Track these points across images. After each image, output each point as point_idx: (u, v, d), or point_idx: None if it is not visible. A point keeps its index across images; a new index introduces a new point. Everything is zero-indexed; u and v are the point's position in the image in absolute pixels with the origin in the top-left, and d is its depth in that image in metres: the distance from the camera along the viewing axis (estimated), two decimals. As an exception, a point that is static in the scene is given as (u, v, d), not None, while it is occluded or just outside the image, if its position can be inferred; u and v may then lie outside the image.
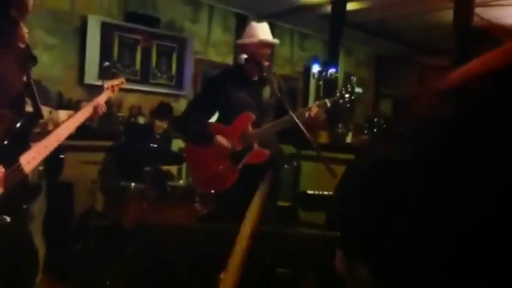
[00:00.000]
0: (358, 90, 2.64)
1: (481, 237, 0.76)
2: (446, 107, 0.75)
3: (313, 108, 2.56)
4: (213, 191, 2.81)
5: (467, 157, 0.72)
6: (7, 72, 1.61)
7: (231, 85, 2.67)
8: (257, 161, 2.63)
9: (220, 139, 2.66)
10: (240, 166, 2.64)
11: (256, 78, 2.70)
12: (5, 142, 1.61)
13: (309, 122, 2.49)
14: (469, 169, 0.73)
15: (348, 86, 2.64)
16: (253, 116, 2.66)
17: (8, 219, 1.58)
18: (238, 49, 2.79)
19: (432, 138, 0.74)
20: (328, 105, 2.60)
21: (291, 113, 2.40)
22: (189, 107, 2.89)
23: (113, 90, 2.20)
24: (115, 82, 2.23)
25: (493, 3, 5.29)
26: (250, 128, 2.68)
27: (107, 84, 2.19)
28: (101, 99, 2.10)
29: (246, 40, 2.70)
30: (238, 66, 2.76)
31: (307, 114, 2.51)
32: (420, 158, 0.77)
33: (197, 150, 2.77)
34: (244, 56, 2.54)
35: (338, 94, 2.67)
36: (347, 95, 2.64)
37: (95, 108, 2.03)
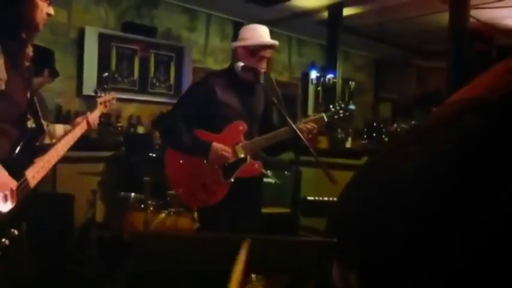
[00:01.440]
0: (351, 107, 2.66)
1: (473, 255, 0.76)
2: (446, 138, 0.77)
3: (311, 123, 2.56)
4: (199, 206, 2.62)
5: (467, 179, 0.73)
6: (14, 91, 1.65)
7: (221, 90, 2.53)
8: (249, 175, 2.56)
9: (220, 149, 2.50)
10: (232, 179, 2.53)
11: (247, 84, 2.59)
12: (12, 157, 1.65)
13: (305, 133, 2.51)
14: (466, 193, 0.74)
15: (342, 103, 2.69)
16: (245, 126, 2.56)
17: (16, 232, 1.62)
18: (236, 52, 2.59)
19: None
20: (326, 120, 2.64)
21: (291, 123, 2.37)
22: (176, 113, 2.57)
23: (106, 106, 2.27)
24: (107, 98, 2.29)
25: (487, 5, 5.31)
26: (242, 139, 2.58)
27: (100, 100, 2.25)
28: (94, 115, 2.17)
29: (247, 42, 2.54)
30: (229, 71, 2.63)
31: (303, 126, 2.52)
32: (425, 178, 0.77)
33: (186, 161, 2.56)
34: (241, 63, 2.52)
35: (333, 110, 2.66)
36: (341, 111, 2.66)
37: (89, 124, 2.11)
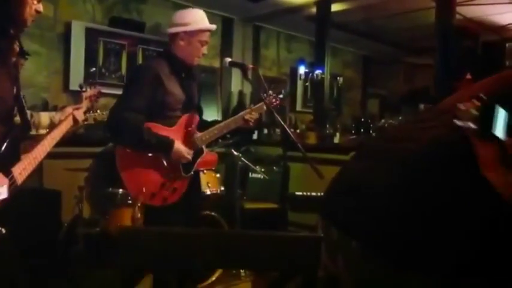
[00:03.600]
0: (281, 95, 2.79)
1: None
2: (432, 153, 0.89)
3: (254, 113, 2.65)
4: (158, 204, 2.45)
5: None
6: (1, 88, 1.64)
7: (165, 77, 2.43)
8: (206, 166, 2.59)
9: (181, 146, 2.44)
10: (191, 173, 2.53)
11: (187, 71, 2.54)
12: None
13: (247, 123, 2.64)
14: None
15: (273, 92, 2.77)
16: (197, 117, 2.56)
17: (3, 230, 1.62)
18: (176, 37, 2.50)
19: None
20: (264, 108, 2.69)
21: (279, 119, 2.38)
22: (128, 106, 2.34)
23: (91, 100, 2.24)
24: (92, 92, 2.26)
25: (474, 2, 5.36)
26: (196, 131, 2.57)
27: (85, 94, 2.23)
28: (79, 112, 2.15)
29: (190, 27, 2.50)
30: (169, 56, 2.51)
31: (247, 116, 2.63)
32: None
33: (142, 159, 2.42)
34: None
35: (267, 99, 2.68)
36: (274, 100, 2.74)
37: (75, 120, 2.09)
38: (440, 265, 0.82)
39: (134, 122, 2.33)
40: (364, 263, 0.92)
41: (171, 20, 2.60)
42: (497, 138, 0.66)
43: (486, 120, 0.65)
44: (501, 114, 0.65)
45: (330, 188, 1.10)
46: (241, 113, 2.66)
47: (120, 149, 2.43)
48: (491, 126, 0.65)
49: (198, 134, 2.58)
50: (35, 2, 1.70)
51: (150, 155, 2.43)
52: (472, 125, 0.64)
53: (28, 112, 1.89)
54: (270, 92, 2.72)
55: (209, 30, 2.55)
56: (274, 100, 2.72)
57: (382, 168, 0.96)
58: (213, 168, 3.51)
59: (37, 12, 1.72)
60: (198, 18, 2.54)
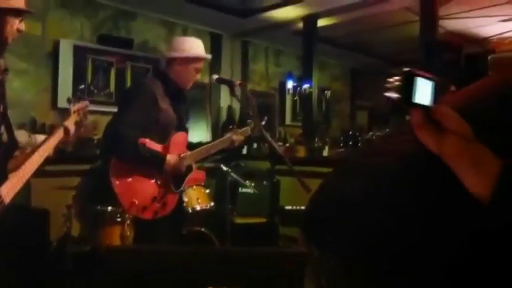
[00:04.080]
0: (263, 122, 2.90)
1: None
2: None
3: (239, 135, 2.84)
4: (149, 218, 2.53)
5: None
6: None
7: (160, 97, 2.55)
8: (195, 183, 2.74)
9: (173, 158, 2.56)
10: (181, 189, 2.65)
11: (179, 93, 2.69)
12: None
13: (236, 143, 2.81)
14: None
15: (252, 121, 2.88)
16: (187, 136, 2.70)
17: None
18: (172, 61, 2.64)
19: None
20: (249, 133, 2.90)
21: (267, 136, 2.43)
22: (126, 121, 2.43)
23: (79, 114, 2.22)
24: (80, 106, 2.25)
25: (456, 15, 5.48)
26: (186, 149, 2.70)
27: (73, 108, 2.21)
28: (69, 123, 2.11)
29: (186, 53, 2.65)
30: (164, 78, 2.63)
31: (234, 137, 2.80)
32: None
33: (135, 173, 2.50)
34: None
35: (252, 126, 2.86)
36: (256, 130, 2.84)
37: (66, 130, 2.05)
38: (425, 275, 0.84)
39: (130, 136, 2.42)
40: (345, 281, 0.93)
41: (170, 44, 2.76)
42: (419, 105, 0.72)
43: (407, 89, 0.71)
44: (421, 83, 0.72)
45: (309, 204, 1.12)
46: (228, 135, 2.82)
47: (114, 162, 2.48)
48: (411, 95, 0.71)
49: (188, 152, 2.69)
50: (17, 22, 1.71)
51: (143, 169, 2.51)
52: (396, 95, 0.71)
53: (26, 133, 1.87)
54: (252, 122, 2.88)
55: (205, 59, 2.75)
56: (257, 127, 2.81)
57: (358, 183, 0.98)
58: (203, 184, 3.52)
59: (19, 31, 1.72)
60: (195, 46, 2.71)
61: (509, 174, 0.70)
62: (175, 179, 2.61)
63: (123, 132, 2.41)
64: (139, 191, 2.51)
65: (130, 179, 2.51)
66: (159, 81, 2.59)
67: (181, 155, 2.65)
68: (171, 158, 2.56)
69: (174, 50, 2.67)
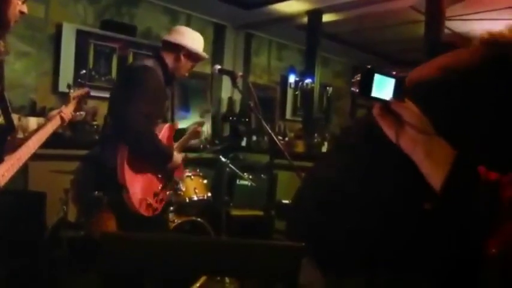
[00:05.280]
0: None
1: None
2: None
3: (198, 127, 2.95)
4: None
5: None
6: None
7: (164, 86, 2.49)
8: (178, 176, 2.72)
9: (178, 156, 2.54)
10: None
11: (172, 82, 2.64)
12: None
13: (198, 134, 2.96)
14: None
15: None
16: (175, 128, 2.70)
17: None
18: (174, 48, 2.53)
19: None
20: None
21: (267, 128, 2.41)
22: (138, 108, 2.26)
23: (78, 100, 2.22)
24: (80, 92, 2.24)
25: (462, 17, 5.45)
26: (173, 142, 2.69)
27: (73, 94, 2.20)
28: (67, 109, 2.11)
29: (195, 46, 2.56)
30: (162, 64, 2.50)
31: (199, 129, 2.93)
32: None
33: (143, 168, 2.42)
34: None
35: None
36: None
37: (62, 118, 2.05)
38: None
39: (150, 132, 2.36)
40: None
41: (175, 30, 2.65)
42: (378, 98, 0.79)
43: (364, 84, 0.78)
44: (381, 79, 0.78)
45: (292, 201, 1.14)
46: (194, 126, 2.95)
47: (124, 153, 2.34)
48: (369, 89, 0.78)
49: (175, 144, 2.70)
50: (19, 3, 1.69)
51: (150, 163, 2.45)
52: (356, 90, 0.78)
53: (16, 116, 1.87)
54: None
55: (204, 59, 2.70)
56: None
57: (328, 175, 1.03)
58: (201, 174, 3.52)
59: (21, 13, 1.70)
60: (201, 44, 2.62)
61: (461, 164, 0.75)
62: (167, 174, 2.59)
63: (143, 127, 2.29)
64: (146, 186, 2.44)
65: (139, 174, 2.41)
66: (159, 67, 2.47)
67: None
68: (176, 153, 2.55)
69: (181, 37, 2.56)
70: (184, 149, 2.86)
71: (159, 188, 2.53)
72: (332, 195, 0.96)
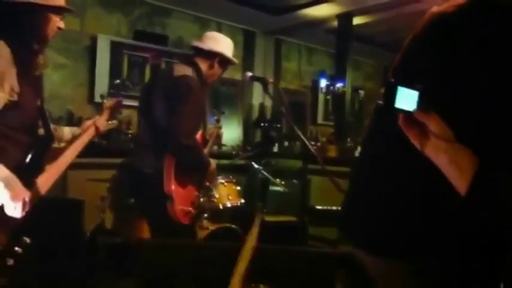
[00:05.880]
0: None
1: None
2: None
3: (219, 130, 3.03)
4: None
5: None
6: (25, 100, 1.69)
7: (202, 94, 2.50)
8: (211, 183, 2.73)
9: (213, 161, 2.59)
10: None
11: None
12: (23, 165, 1.69)
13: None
14: None
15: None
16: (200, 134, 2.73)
17: (28, 240, 1.66)
18: (211, 56, 2.53)
19: None
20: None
21: (299, 133, 2.39)
22: (189, 124, 2.36)
23: (112, 110, 2.26)
24: (112, 102, 2.29)
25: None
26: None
27: (106, 104, 2.26)
28: (101, 119, 2.16)
29: (226, 53, 2.55)
30: (199, 71, 2.50)
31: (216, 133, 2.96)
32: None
33: (188, 177, 2.48)
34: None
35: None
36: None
37: (97, 128, 2.11)
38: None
39: (198, 144, 2.49)
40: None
41: (208, 36, 2.63)
42: (402, 110, 0.84)
43: (388, 97, 0.83)
44: (404, 92, 0.83)
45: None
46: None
47: (171, 164, 2.38)
48: (392, 102, 0.83)
49: (206, 150, 2.77)
50: (58, 20, 1.76)
51: (191, 173, 2.50)
52: (381, 102, 0.84)
53: (52, 126, 1.93)
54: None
55: (234, 64, 2.69)
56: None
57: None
58: (234, 181, 3.53)
59: (59, 28, 1.77)
60: (232, 49, 2.63)
61: (485, 171, 0.80)
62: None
63: (194, 143, 2.40)
64: (187, 196, 2.49)
65: (183, 184, 2.45)
66: (195, 74, 2.47)
67: None
68: (212, 162, 2.59)
69: (220, 46, 2.56)
70: (217, 155, 2.88)
71: (196, 195, 2.57)
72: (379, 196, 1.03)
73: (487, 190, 0.79)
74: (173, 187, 2.37)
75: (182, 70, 2.45)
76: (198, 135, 2.67)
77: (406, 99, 0.83)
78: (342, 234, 1.12)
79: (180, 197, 2.41)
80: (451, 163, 0.82)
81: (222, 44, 2.57)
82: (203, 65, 2.53)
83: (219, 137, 3.05)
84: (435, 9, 1.00)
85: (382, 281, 1.02)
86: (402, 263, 0.96)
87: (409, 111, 0.84)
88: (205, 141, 2.84)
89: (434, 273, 0.94)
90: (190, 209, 2.47)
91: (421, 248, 0.95)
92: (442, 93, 0.91)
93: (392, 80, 0.84)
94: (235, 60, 2.64)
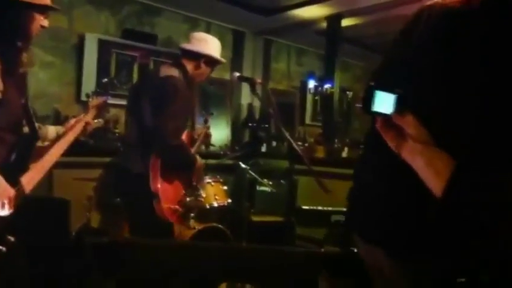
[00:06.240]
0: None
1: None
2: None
3: (208, 130, 3.07)
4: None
5: None
6: (10, 98, 1.68)
7: (187, 93, 2.52)
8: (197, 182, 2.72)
9: (200, 159, 2.61)
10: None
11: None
12: (8, 163, 1.68)
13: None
14: None
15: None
16: (189, 133, 2.78)
17: (13, 239, 1.65)
18: (196, 57, 2.56)
19: None
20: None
21: (286, 135, 2.40)
22: (175, 124, 2.38)
23: (98, 109, 2.26)
24: (98, 101, 2.28)
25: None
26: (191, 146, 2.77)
27: (92, 103, 2.25)
28: (87, 118, 2.15)
29: (213, 54, 2.59)
30: (185, 72, 2.54)
31: (205, 132, 3.02)
32: None
33: (174, 175, 2.51)
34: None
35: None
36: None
37: (84, 127, 2.09)
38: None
39: (184, 144, 2.52)
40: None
41: (194, 37, 2.67)
42: (379, 113, 0.85)
43: (366, 100, 0.84)
44: (382, 95, 0.84)
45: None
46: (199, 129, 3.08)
47: (156, 163, 2.40)
48: (370, 105, 0.84)
49: (193, 149, 2.79)
50: (42, 18, 1.76)
51: (178, 171, 2.52)
52: (360, 105, 0.85)
53: (36, 125, 1.92)
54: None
55: (221, 63, 2.72)
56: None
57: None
58: (221, 180, 3.54)
59: (42, 27, 1.77)
60: (219, 49, 2.66)
61: (460, 174, 0.80)
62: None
63: (180, 142, 2.44)
64: (173, 194, 2.51)
65: (169, 183, 2.49)
66: (181, 75, 2.52)
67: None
68: (198, 158, 2.62)
69: (206, 47, 2.60)
70: (205, 155, 2.92)
71: (182, 194, 2.58)
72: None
73: (463, 192, 0.80)
74: (159, 185, 2.39)
75: (168, 71, 2.49)
76: (185, 135, 2.69)
77: (384, 102, 0.84)
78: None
79: (166, 196, 2.43)
80: (427, 165, 0.83)
81: (208, 45, 2.60)
82: (189, 66, 2.56)
83: (207, 136, 3.07)
84: (431, 2, 0.99)
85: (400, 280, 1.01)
86: (411, 263, 0.96)
87: (386, 115, 0.85)
88: (192, 141, 2.86)
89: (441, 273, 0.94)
90: (177, 207, 2.49)
91: (424, 248, 0.95)
92: (440, 89, 0.90)
93: (371, 83, 0.85)
94: (222, 59, 2.67)
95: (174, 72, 2.47)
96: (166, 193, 2.44)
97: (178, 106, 2.37)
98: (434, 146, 0.84)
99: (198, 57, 2.56)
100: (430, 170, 0.83)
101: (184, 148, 2.49)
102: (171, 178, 2.49)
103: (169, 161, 2.41)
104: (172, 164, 2.44)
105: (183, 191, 2.59)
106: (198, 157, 2.63)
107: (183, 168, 2.54)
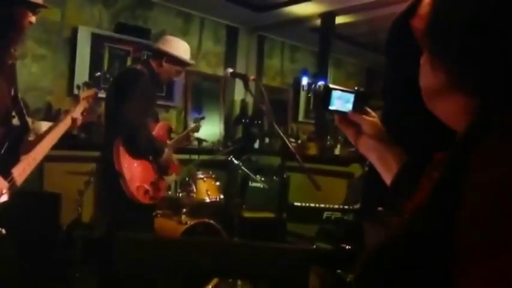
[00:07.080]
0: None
1: None
2: None
3: (191, 132, 3.34)
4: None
5: None
6: None
7: (152, 87, 2.77)
8: (174, 171, 3.03)
9: (169, 152, 2.83)
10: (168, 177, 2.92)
11: (158, 85, 2.92)
12: None
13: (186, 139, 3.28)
14: None
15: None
16: (170, 126, 3.10)
17: (4, 231, 1.65)
18: (160, 56, 2.80)
19: None
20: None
21: (279, 131, 2.45)
22: (141, 112, 2.60)
23: (88, 101, 2.26)
24: (88, 93, 2.29)
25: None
26: (168, 139, 3.03)
27: (82, 95, 2.25)
28: (77, 110, 2.15)
29: (177, 53, 2.79)
30: (152, 70, 2.75)
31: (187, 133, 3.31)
32: None
33: (138, 159, 2.69)
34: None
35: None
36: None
37: (73, 120, 2.10)
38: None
39: (144, 125, 2.65)
40: None
41: (162, 38, 2.94)
42: (337, 111, 0.92)
43: (323, 99, 0.91)
44: (339, 94, 0.91)
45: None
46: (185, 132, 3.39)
47: (120, 146, 2.61)
48: (328, 104, 0.91)
49: (169, 143, 3.00)
50: (30, 15, 1.78)
51: (143, 154, 2.72)
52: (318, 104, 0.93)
53: (29, 119, 1.92)
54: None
55: (189, 65, 2.97)
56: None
57: None
58: (213, 176, 3.54)
59: (30, 23, 1.80)
60: (183, 49, 2.86)
61: (406, 169, 0.87)
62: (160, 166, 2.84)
63: (138, 122, 2.56)
64: (142, 174, 2.67)
65: (135, 163, 2.66)
66: (148, 71, 2.72)
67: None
68: (167, 150, 2.83)
69: (164, 45, 2.82)
70: (197, 151, 3.11)
71: (155, 177, 2.74)
72: None
73: (407, 186, 0.85)
74: (126, 165, 2.57)
75: (133, 65, 2.87)
76: (159, 126, 2.96)
77: (341, 101, 0.91)
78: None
79: (135, 176, 2.62)
80: (379, 159, 0.91)
81: (169, 44, 2.82)
82: (154, 63, 2.79)
83: (189, 137, 3.33)
84: None
85: None
86: None
87: (344, 112, 0.92)
88: (169, 134, 3.14)
89: None
90: (146, 186, 2.64)
91: None
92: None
93: (330, 85, 0.92)
94: (186, 59, 2.84)
95: (139, 67, 2.73)
96: (135, 173, 2.62)
97: (137, 93, 2.56)
98: (389, 142, 0.91)
99: (160, 55, 2.78)
100: (381, 164, 0.91)
101: (145, 132, 2.66)
102: (139, 160, 2.68)
103: (130, 140, 2.59)
104: (135, 146, 2.61)
105: (155, 175, 2.76)
106: (168, 150, 2.83)
107: (147, 152, 2.71)
